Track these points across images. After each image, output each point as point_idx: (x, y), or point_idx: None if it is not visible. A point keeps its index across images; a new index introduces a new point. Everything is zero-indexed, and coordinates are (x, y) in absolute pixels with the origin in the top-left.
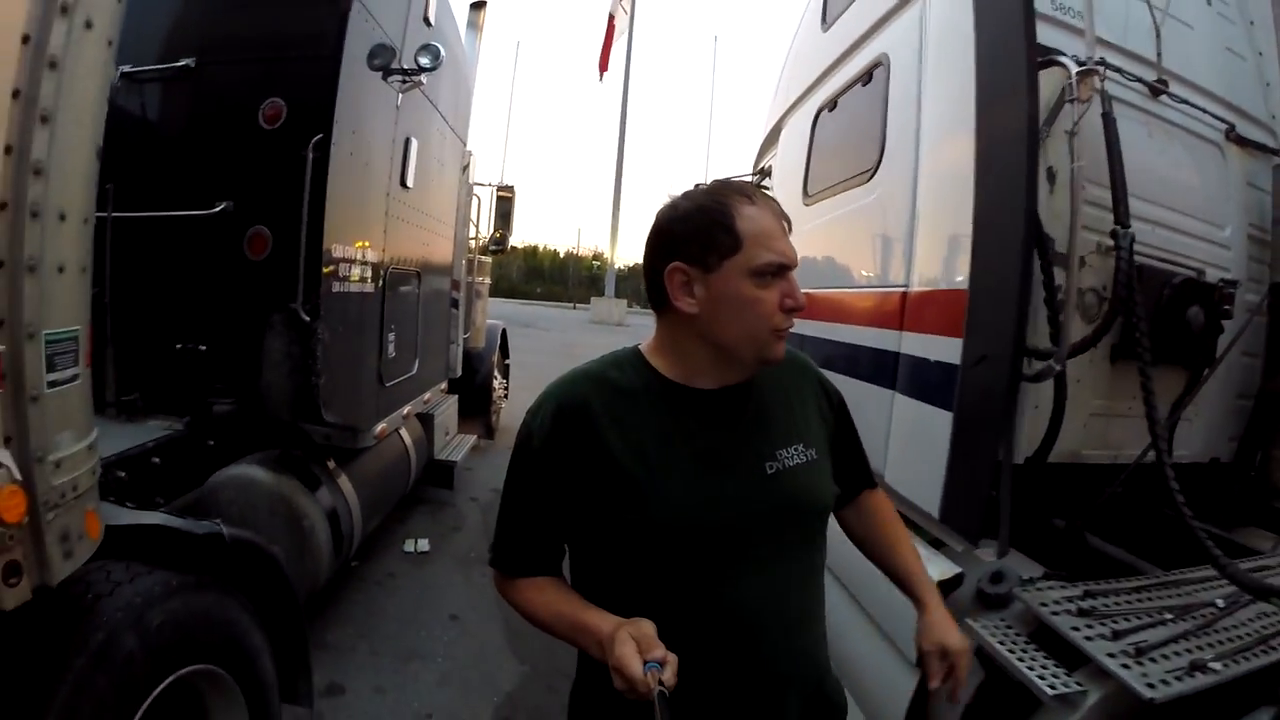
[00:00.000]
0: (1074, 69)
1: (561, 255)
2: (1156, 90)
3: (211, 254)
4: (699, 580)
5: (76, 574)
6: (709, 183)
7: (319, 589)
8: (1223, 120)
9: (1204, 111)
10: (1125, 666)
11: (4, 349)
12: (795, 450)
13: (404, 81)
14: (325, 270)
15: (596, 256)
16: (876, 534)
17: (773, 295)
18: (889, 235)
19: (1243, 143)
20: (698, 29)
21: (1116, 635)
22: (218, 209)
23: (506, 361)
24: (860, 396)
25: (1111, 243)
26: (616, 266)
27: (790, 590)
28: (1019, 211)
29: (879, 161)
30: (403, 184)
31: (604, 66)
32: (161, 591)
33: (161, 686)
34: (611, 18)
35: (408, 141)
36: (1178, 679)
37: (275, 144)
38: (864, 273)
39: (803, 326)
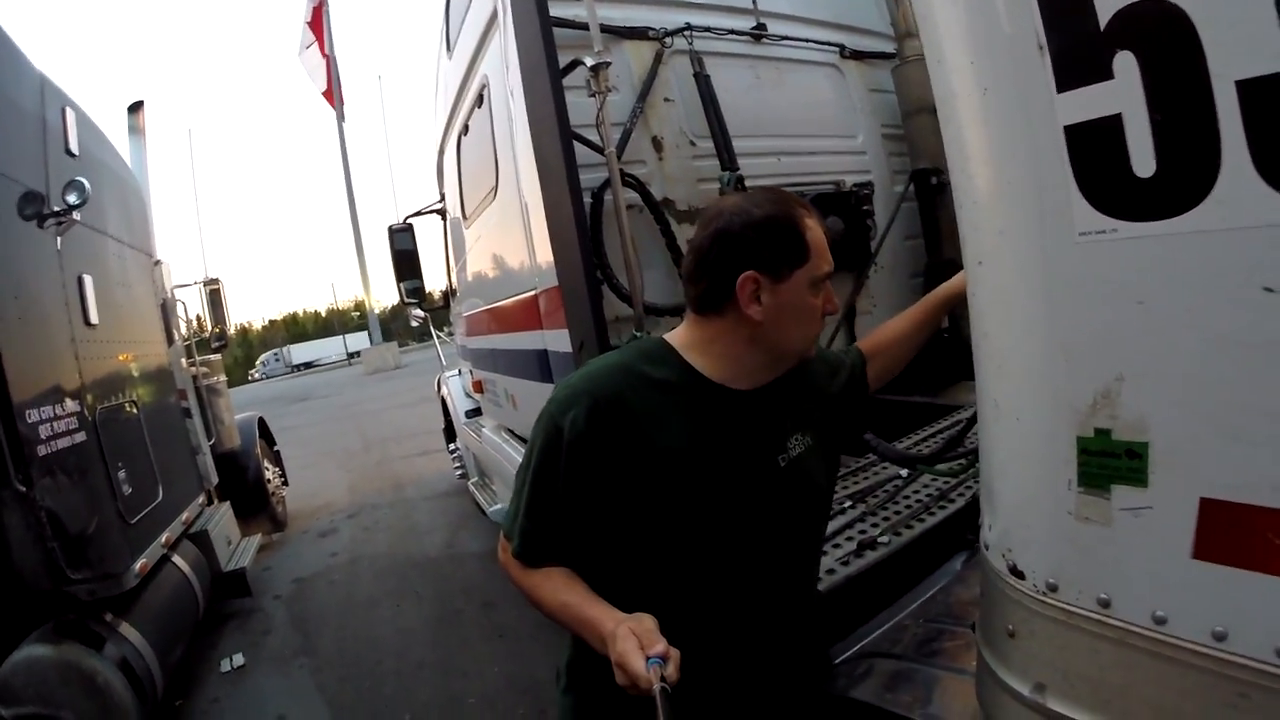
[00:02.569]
0: (589, 61)
1: (323, 313)
2: (758, 36)
3: None
4: (720, 569)
5: None
6: (768, 190)
7: None
8: (831, 44)
9: (809, 41)
10: None
11: None
12: (798, 440)
13: (58, 224)
14: (26, 436)
15: (357, 307)
16: (896, 336)
17: (820, 302)
18: (517, 245)
19: (859, 56)
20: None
21: None
22: None
23: (275, 449)
24: (529, 394)
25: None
26: (376, 311)
27: (804, 561)
28: (567, 204)
29: (497, 178)
30: (87, 323)
31: (339, 109)
32: None
33: None
34: (332, 62)
35: (80, 280)
36: (843, 564)
37: None
38: (512, 282)
39: (485, 342)
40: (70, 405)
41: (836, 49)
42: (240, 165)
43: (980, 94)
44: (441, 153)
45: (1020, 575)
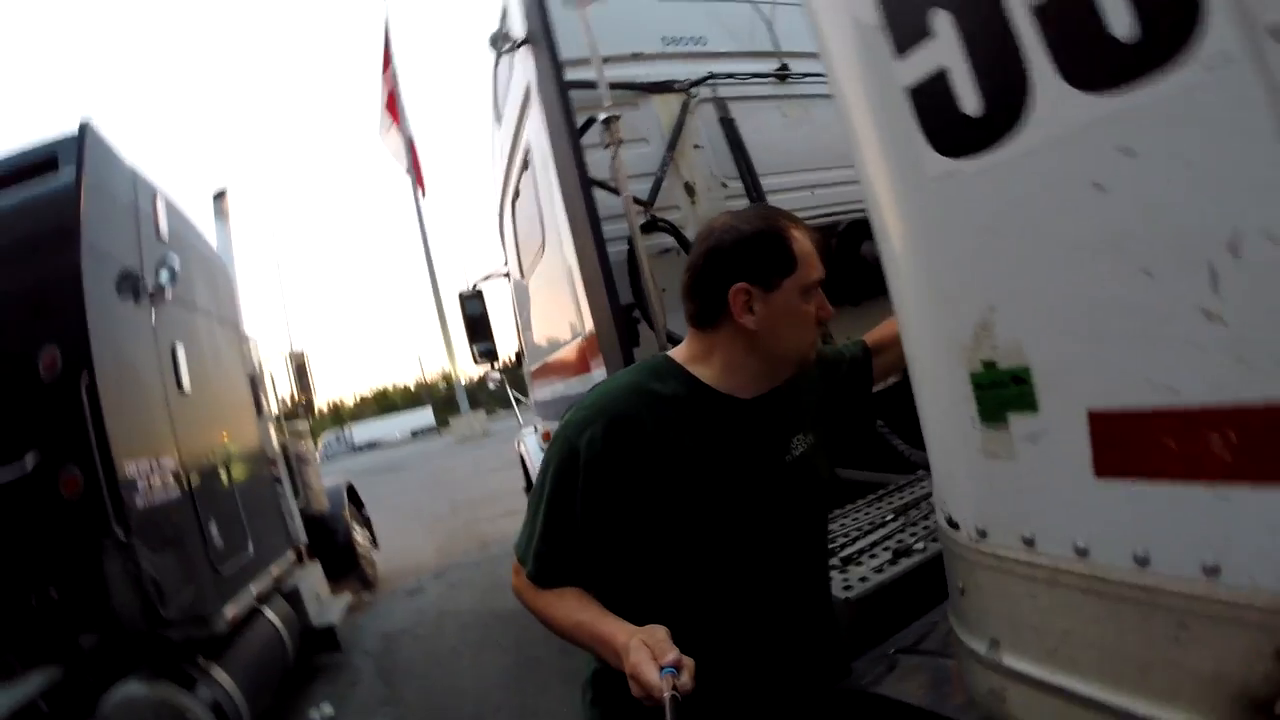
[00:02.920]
0: (601, 116)
1: (412, 388)
2: (781, 76)
3: (35, 506)
4: (735, 571)
5: None
6: (756, 206)
7: None
8: None
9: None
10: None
11: None
12: (800, 438)
13: (152, 299)
14: (125, 491)
15: (445, 378)
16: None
17: (813, 309)
18: (565, 296)
19: None
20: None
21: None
22: (28, 464)
23: (364, 513)
24: None
25: None
26: (463, 381)
27: (815, 553)
28: (592, 249)
29: (543, 234)
30: (180, 389)
31: (422, 186)
32: None
33: None
34: (412, 142)
35: (174, 349)
36: (877, 571)
37: (60, 389)
38: (564, 332)
39: (547, 392)
40: (166, 462)
41: None
42: (326, 246)
43: (847, 78)
44: (501, 216)
45: (955, 526)
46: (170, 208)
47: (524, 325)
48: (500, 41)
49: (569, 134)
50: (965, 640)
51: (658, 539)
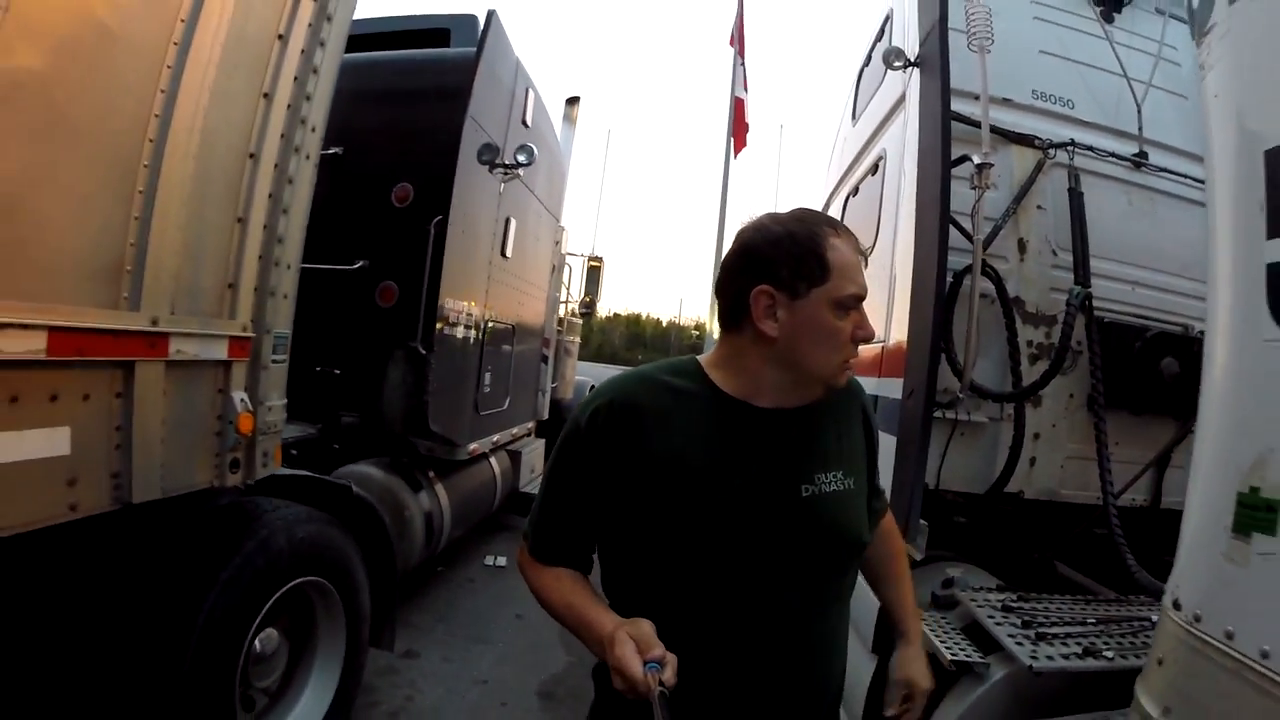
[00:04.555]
0: (976, 159)
1: (664, 324)
2: (1138, 163)
3: (350, 300)
4: (719, 592)
5: (253, 500)
6: (800, 209)
7: (409, 570)
8: None
9: (1187, 178)
10: (1020, 644)
11: (255, 337)
12: (834, 477)
13: (505, 174)
14: (438, 318)
15: (697, 327)
16: (883, 558)
17: (847, 326)
18: (874, 306)
19: None
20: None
21: (1026, 625)
22: (357, 266)
23: None
24: None
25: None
26: (715, 337)
27: (809, 615)
28: (932, 277)
29: (874, 242)
30: (503, 254)
31: (740, 146)
32: (305, 517)
33: (293, 583)
34: (740, 101)
35: (508, 221)
36: (1064, 658)
37: (404, 218)
38: None
39: None
40: (474, 309)
41: None
42: (635, 165)
43: (1230, 233)
44: (826, 207)
45: (1179, 607)
46: (537, 100)
47: None
48: (893, 58)
49: (942, 166)
50: (1143, 703)
51: (645, 530)
